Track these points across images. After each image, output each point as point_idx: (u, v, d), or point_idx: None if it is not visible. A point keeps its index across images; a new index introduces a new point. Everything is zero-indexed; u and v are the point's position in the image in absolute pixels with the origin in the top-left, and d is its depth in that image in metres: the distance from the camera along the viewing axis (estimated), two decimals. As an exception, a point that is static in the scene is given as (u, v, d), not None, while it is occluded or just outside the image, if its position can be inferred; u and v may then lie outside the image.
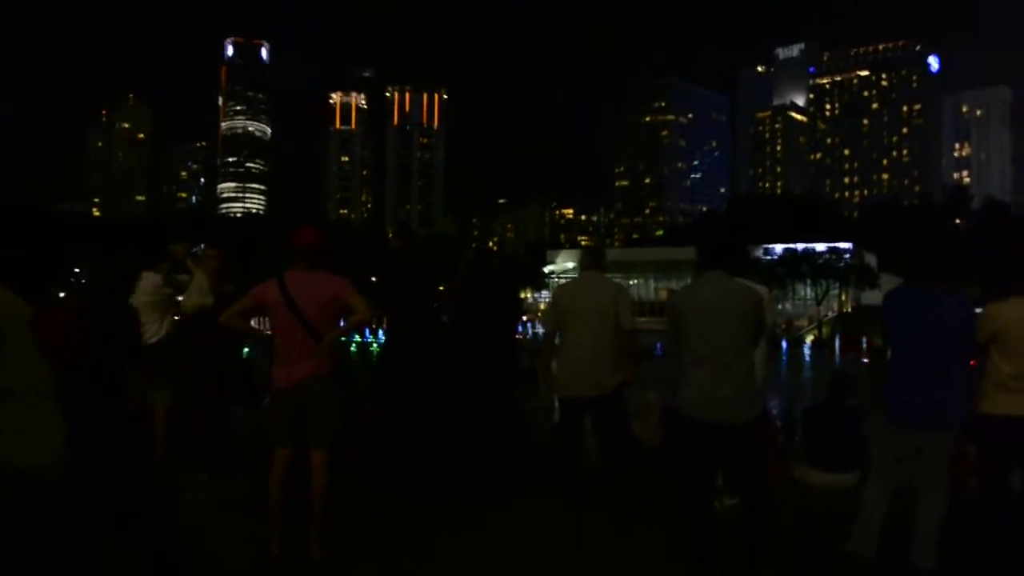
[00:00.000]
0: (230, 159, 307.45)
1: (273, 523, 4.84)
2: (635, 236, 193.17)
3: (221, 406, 6.95)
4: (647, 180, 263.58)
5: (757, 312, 4.82)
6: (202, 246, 7.19)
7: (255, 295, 4.97)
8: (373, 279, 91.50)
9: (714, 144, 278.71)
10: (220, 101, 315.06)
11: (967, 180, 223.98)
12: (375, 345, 37.22)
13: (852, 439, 6.98)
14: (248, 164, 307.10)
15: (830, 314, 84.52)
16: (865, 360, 46.57)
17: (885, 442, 5.01)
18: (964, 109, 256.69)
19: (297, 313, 4.77)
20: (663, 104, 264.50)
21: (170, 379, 6.93)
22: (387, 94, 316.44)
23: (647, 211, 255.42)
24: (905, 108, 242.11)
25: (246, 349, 10.20)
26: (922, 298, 4.84)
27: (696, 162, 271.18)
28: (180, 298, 6.92)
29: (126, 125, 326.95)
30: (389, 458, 6.77)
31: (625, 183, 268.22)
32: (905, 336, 4.88)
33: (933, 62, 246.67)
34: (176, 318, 7.06)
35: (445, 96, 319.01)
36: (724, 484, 5.36)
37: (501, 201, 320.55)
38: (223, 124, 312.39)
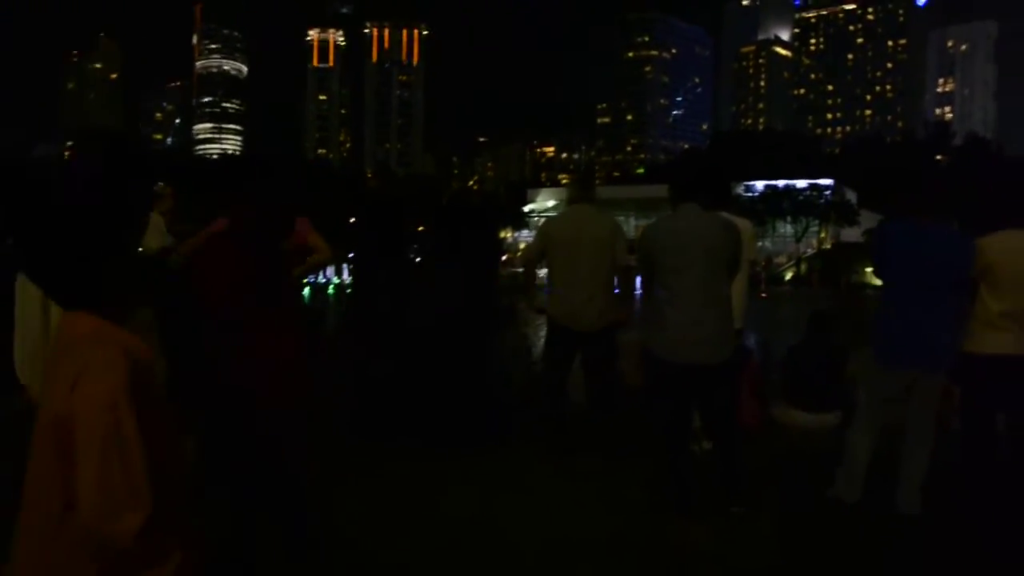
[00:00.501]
0: (206, 99, 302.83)
1: None
2: (616, 174, 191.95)
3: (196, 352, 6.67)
4: (629, 117, 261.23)
5: (733, 246, 4.60)
6: (160, 184, 6.76)
7: (206, 234, 4.63)
8: (352, 220, 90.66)
9: (697, 80, 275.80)
10: (195, 39, 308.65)
11: (949, 116, 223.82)
12: (332, 288, 36.31)
13: (834, 378, 6.82)
14: (224, 104, 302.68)
15: (809, 251, 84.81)
16: (851, 297, 46.47)
17: (873, 382, 4.79)
18: (949, 44, 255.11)
19: None
20: (646, 39, 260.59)
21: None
22: (365, 31, 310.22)
23: (628, 148, 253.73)
24: (890, 43, 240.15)
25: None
26: (918, 232, 4.57)
27: (679, 98, 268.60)
28: None
29: (98, 65, 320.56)
30: (361, 402, 6.52)
31: (607, 120, 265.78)
32: (900, 272, 4.62)
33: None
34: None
35: (425, 32, 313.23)
36: (701, 427, 5.16)
37: (481, 140, 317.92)
38: (198, 63, 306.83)
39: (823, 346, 6.97)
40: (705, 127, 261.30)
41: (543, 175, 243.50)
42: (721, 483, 4.70)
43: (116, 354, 1.61)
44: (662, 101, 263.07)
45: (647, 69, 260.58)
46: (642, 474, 5.19)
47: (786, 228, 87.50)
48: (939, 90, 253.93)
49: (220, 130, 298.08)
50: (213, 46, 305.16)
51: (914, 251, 4.53)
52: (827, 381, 6.75)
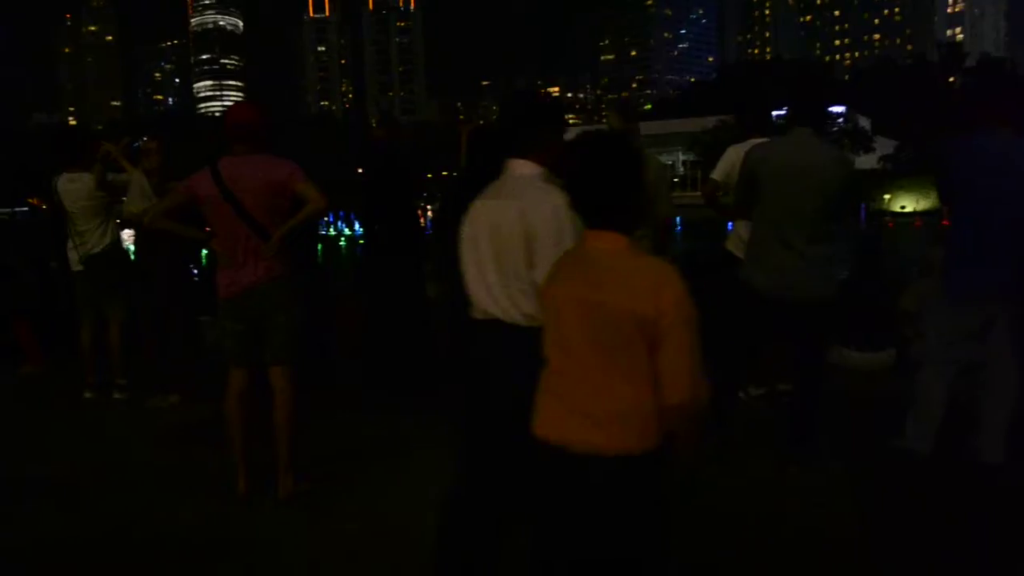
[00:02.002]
0: (204, 56, 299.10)
1: (236, 455, 4.20)
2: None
3: (186, 317, 6.28)
4: (633, 53, 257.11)
5: (853, 184, 4.26)
6: (143, 139, 6.27)
7: (184, 188, 4.13)
8: (360, 171, 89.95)
9: (701, 12, 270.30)
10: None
11: (960, 37, 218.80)
12: (343, 240, 35.81)
13: (886, 314, 6.36)
14: (223, 60, 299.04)
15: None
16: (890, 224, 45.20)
17: (943, 319, 4.32)
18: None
19: (237, 206, 3.97)
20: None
21: (124, 291, 6.25)
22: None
23: (634, 85, 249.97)
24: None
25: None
26: (1003, 147, 4.04)
27: (683, 31, 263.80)
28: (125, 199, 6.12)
29: (93, 28, 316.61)
30: (372, 356, 6.18)
31: (611, 57, 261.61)
32: (980, 192, 4.08)
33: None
34: (119, 222, 6.28)
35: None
36: (782, 370, 4.92)
37: (485, 83, 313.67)
38: (193, 20, 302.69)
39: (872, 280, 6.49)
40: (711, 59, 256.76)
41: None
42: (789, 434, 4.28)
43: (669, 266, 2.14)
44: (666, 35, 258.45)
45: (649, 2, 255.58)
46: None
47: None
48: (949, 11, 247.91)
49: (221, 87, 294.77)
50: (207, 2, 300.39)
51: (995, 167, 4.01)
52: (879, 317, 6.29)
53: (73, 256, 6.17)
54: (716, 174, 5.31)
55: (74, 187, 6.03)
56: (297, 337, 4.23)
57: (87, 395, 6.27)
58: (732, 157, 5.16)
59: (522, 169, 2.79)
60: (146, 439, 5.33)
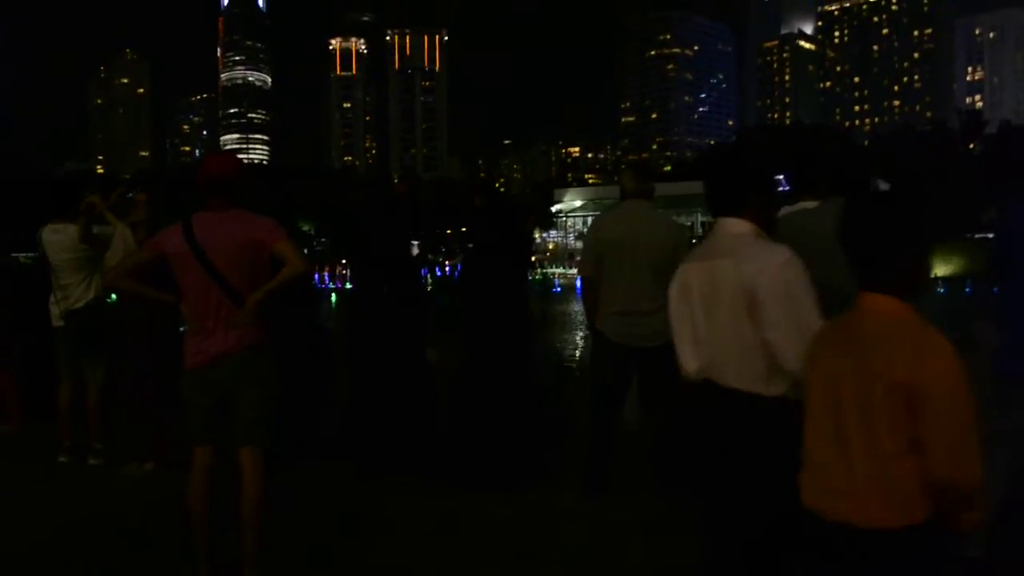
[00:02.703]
0: (232, 110, 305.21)
1: (198, 547, 3.76)
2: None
3: (166, 379, 5.91)
4: (653, 115, 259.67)
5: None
6: (131, 192, 6.02)
7: (152, 244, 3.80)
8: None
9: (721, 76, 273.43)
10: (219, 52, 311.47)
11: (980, 105, 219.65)
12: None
13: None
14: (250, 115, 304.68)
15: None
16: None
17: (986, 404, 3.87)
18: (977, 32, 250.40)
19: (208, 267, 3.61)
20: (668, 37, 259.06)
21: (105, 351, 5.95)
22: (387, 38, 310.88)
23: (654, 146, 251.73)
24: (916, 32, 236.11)
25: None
26: None
27: (703, 95, 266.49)
28: None
29: (125, 80, 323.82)
30: (360, 430, 5.67)
31: (631, 119, 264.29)
32: None
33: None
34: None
35: (446, 38, 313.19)
36: None
37: (506, 142, 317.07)
38: (223, 75, 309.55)
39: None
40: (731, 122, 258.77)
41: (569, 175, 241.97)
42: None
43: (941, 336, 2.01)
44: (686, 98, 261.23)
45: (670, 67, 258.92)
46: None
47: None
48: (968, 79, 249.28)
49: (247, 140, 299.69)
50: (237, 58, 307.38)
51: None
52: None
53: (54, 311, 5.87)
54: None
55: (58, 238, 5.78)
56: (272, 415, 3.83)
57: (62, 459, 5.90)
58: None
59: (734, 228, 2.77)
60: (111, 514, 4.94)
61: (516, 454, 5.19)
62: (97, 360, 5.89)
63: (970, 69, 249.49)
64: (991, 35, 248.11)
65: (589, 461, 4.98)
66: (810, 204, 4.12)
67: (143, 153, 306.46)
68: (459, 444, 5.28)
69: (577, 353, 17.40)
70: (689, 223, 77.21)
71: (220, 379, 3.71)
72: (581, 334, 20.61)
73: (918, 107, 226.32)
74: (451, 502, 4.88)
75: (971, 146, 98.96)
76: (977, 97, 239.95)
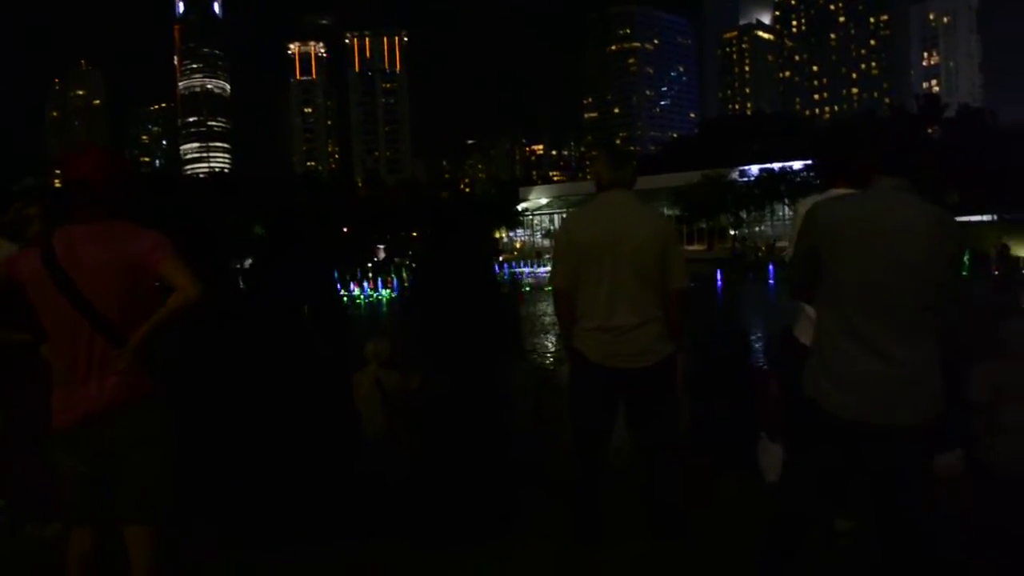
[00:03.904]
0: (191, 119, 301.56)
1: None
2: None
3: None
4: (616, 110, 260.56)
5: (958, 251, 2.94)
6: (20, 205, 4.81)
7: (2, 267, 3.00)
8: (344, 230, 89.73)
9: (682, 69, 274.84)
10: (176, 60, 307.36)
11: (936, 89, 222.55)
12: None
13: (952, 403, 5.17)
14: (210, 123, 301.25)
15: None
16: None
17: None
18: (931, 17, 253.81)
19: (74, 295, 2.82)
20: (628, 31, 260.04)
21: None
22: (346, 41, 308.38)
23: (618, 141, 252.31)
24: (872, 20, 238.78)
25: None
26: None
27: (664, 88, 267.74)
28: None
29: (80, 92, 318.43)
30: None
31: (594, 115, 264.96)
32: None
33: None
34: None
35: (405, 39, 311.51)
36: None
37: (470, 141, 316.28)
38: (181, 84, 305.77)
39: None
40: (693, 115, 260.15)
41: (534, 173, 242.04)
42: None
43: None
44: (648, 92, 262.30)
45: (631, 61, 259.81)
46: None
47: (785, 211, 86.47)
48: (924, 64, 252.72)
49: (207, 148, 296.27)
50: (195, 66, 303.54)
51: None
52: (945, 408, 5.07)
53: None
54: (789, 252, 3.74)
55: None
56: (168, 482, 3.03)
57: None
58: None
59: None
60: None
61: (490, 497, 4.30)
62: None
63: (926, 55, 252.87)
64: (945, 20, 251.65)
65: (576, 504, 4.16)
66: (843, 191, 3.55)
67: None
68: (423, 490, 4.38)
69: (550, 359, 16.64)
70: (656, 216, 77.43)
71: (97, 442, 2.90)
72: (554, 337, 20.01)
73: (876, 94, 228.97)
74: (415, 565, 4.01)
75: (930, 130, 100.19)
76: (934, 82, 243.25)
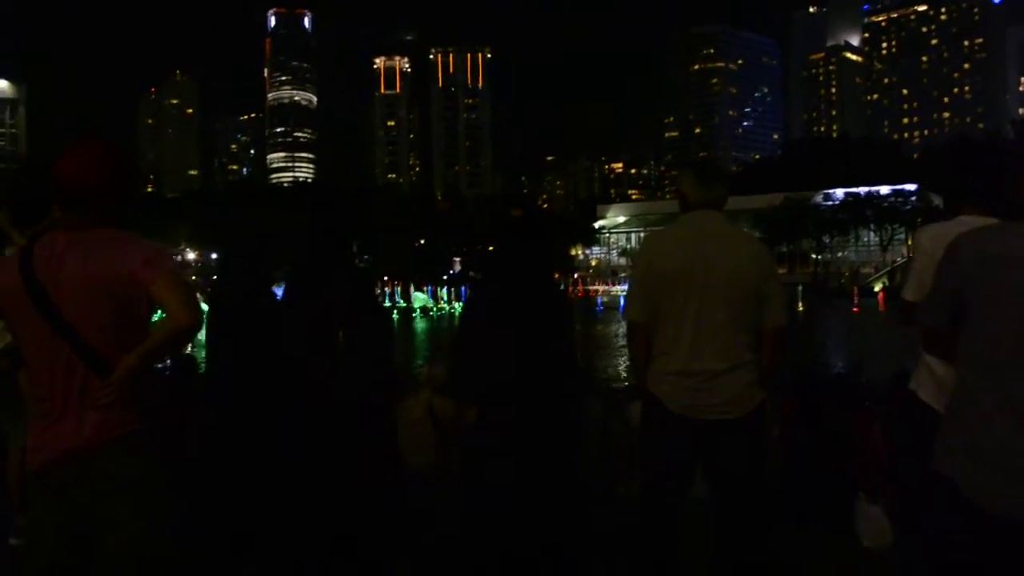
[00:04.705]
0: (278, 129, 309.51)
1: None
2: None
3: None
4: (698, 130, 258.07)
5: None
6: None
7: None
8: (422, 241, 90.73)
9: (766, 90, 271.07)
10: (266, 72, 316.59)
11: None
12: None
13: None
14: (296, 133, 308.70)
15: (900, 259, 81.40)
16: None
17: None
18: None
19: (52, 314, 2.38)
20: (712, 51, 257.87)
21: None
22: (430, 56, 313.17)
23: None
24: (966, 42, 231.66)
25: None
26: None
27: (748, 109, 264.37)
28: None
29: (174, 101, 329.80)
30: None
31: (675, 134, 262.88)
32: None
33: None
34: None
35: (489, 55, 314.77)
36: None
37: (549, 158, 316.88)
38: (269, 95, 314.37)
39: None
40: (776, 136, 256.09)
41: (612, 191, 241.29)
42: None
43: None
44: (731, 112, 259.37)
45: (714, 81, 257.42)
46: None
47: (870, 236, 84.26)
48: (1021, 88, 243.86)
49: (293, 159, 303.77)
50: (284, 78, 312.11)
51: None
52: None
53: None
54: (908, 291, 3.17)
55: None
56: (158, 546, 2.49)
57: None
58: (927, 249, 3.10)
59: None
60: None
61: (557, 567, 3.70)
62: (20, 417, 4.02)
63: (1022, 79, 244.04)
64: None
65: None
66: (974, 219, 3.02)
67: (192, 172, 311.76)
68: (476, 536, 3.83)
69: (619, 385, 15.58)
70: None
71: (74, 488, 2.42)
72: (624, 360, 19.34)
73: (969, 119, 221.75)
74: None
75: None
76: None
